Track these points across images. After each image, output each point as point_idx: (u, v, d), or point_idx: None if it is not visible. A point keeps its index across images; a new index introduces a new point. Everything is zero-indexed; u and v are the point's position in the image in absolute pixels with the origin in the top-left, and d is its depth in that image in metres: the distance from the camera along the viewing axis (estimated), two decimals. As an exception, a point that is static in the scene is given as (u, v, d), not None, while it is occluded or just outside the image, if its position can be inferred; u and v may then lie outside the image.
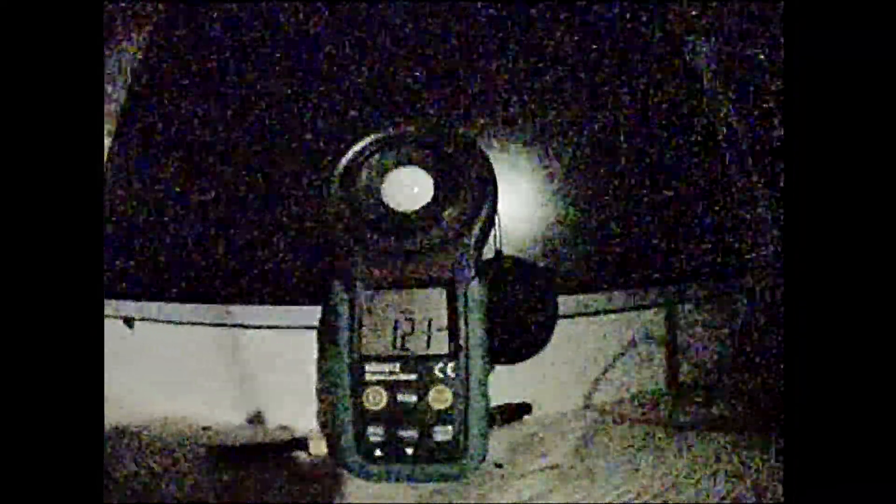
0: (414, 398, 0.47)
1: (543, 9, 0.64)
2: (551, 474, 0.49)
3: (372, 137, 0.51)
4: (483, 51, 0.62)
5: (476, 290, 0.47)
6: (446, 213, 0.48)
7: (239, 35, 0.65)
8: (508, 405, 0.58)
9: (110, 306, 0.63)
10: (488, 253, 0.51)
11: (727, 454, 0.50)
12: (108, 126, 0.67)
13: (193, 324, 0.61)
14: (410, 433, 0.46)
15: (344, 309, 0.47)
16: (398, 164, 0.50)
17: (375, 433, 0.47)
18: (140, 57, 0.68)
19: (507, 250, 0.54)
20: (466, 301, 0.47)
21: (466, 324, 0.47)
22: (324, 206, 0.49)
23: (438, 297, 0.47)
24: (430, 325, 0.47)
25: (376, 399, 0.47)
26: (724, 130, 0.68)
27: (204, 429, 0.59)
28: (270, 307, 0.59)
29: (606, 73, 0.64)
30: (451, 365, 0.47)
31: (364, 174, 0.49)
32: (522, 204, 0.61)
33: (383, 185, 0.49)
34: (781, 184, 0.63)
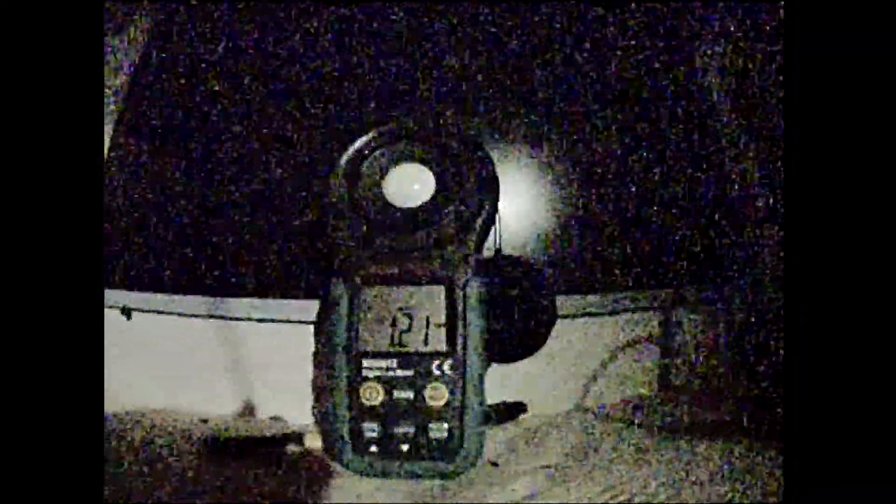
0: (410, 395, 0.47)
1: (545, 9, 0.64)
2: (546, 473, 0.49)
3: (374, 133, 0.51)
4: (486, 49, 0.63)
5: (475, 288, 0.47)
6: (447, 210, 0.48)
7: (238, 31, 0.65)
8: (504, 404, 0.58)
9: (107, 296, 0.63)
10: (488, 251, 0.51)
11: (724, 456, 0.50)
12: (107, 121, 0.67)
13: (191, 316, 0.61)
14: (406, 430, 0.47)
15: (342, 304, 0.48)
16: (400, 160, 0.50)
17: (371, 429, 0.47)
18: (140, 52, 0.68)
19: (506, 249, 0.54)
20: (465, 299, 0.47)
21: (464, 322, 0.47)
22: (325, 201, 0.50)
23: (437, 294, 0.48)
24: (428, 322, 0.48)
25: (373, 395, 0.47)
26: (724, 131, 0.68)
27: (202, 421, 0.59)
28: (267, 300, 0.59)
29: (607, 74, 0.64)
30: (448, 362, 0.47)
31: (366, 170, 0.50)
32: (523, 203, 0.61)
33: (385, 182, 0.49)
34: (781, 185, 0.63)
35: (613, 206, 0.63)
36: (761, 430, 0.54)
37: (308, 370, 0.56)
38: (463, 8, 0.63)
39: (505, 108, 0.62)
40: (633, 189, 0.64)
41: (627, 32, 0.66)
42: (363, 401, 0.47)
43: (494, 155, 0.50)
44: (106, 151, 0.67)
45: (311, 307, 0.56)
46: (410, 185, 0.49)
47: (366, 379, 0.47)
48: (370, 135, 0.51)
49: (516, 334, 0.53)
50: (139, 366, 0.63)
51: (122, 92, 0.67)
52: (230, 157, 0.63)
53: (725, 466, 0.48)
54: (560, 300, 0.55)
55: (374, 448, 0.47)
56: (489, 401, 0.48)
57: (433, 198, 0.49)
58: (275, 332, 0.59)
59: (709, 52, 0.66)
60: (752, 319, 0.69)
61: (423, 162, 0.50)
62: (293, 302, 0.58)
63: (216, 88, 0.65)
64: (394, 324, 0.48)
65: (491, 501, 0.45)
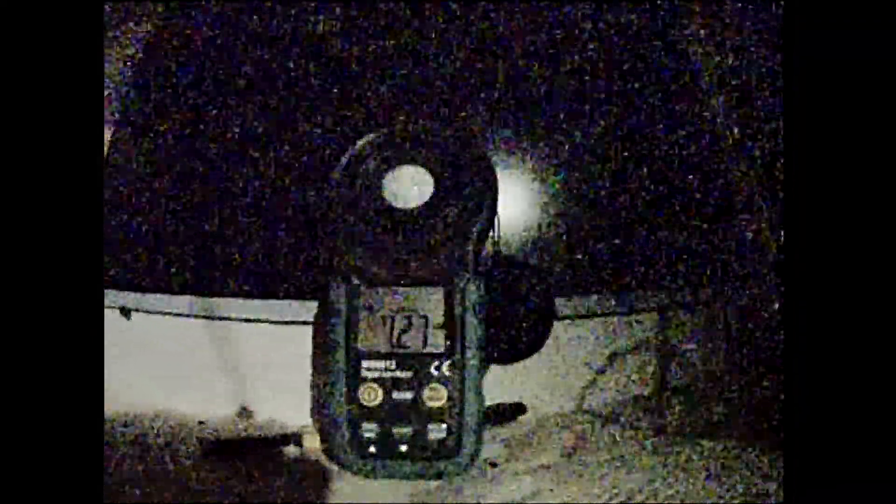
0: (409, 395, 0.47)
1: (544, 10, 0.64)
2: (544, 474, 0.49)
3: (374, 135, 0.51)
4: (485, 51, 0.63)
5: (474, 289, 0.47)
6: (446, 212, 0.48)
7: (238, 31, 0.65)
8: (503, 405, 0.58)
9: (106, 296, 0.63)
10: (486, 253, 0.51)
11: (723, 457, 0.50)
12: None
13: (190, 316, 0.61)
14: (405, 430, 0.47)
15: (342, 305, 0.48)
16: (399, 162, 0.50)
17: (370, 430, 0.47)
18: (139, 53, 0.68)
19: (505, 251, 0.54)
20: (464, 300, 0.47)
21: (463, 323, 0.47)
22: (325, 202, 0.50)
23: (436, 295, 0.48)
24: (427, 323, 0.48)
25: (372, 395, 0.47)
26: (724, 133, 0.68)
27: (201, 422, 0.59)
28: (265, 301, 0.59)
29: (606, 76, 0.64)
30: (446, 363, 0.47)
31: (365, 171, 0.50)
32: (521, 205, 0.61)
33: (384, 183, 0.49)
34: (781, 186, 0.63)
35: (613, 207, 0.63)
36: (761, 431, 0.54)
37: (307, 371, 0.56)
38: (463, 8, 0.63)
39: (504, 110, 0.62)
40: (633, 190, 0.64)
41: (628, 33, 0.66)
42: (362, 401, 0.47)
43: (493, 156, 0.50)
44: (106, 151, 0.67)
45: (310, 308, 0.56)
46: (410, 186, 0.49)
47: (365, 380, 0.47)
48: (370, 136, 0.51)
49: (515, 335, 0.53)
50: (138, 366, 0.63)
51: (121, 92, 0.67)
52: (230, 158, 0.63)
53: (725, 467, 0.48)
54: (558, 301, 0.55)
55: (373, 449, 0.47)
56: (488, 401, 0.48)
57: (432, 199, 0.49)
58: (274, 332, 0.58)
59: (709, 52, 0.66)
60: (752, 320, 0.69)
61: (422, 163, 0.50)
62: (292, 303, 0.58)
63: (214, 88, 0.65)
64: (393, 325, 0.48)
65: (490, 502, 0.45)
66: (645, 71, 0.66)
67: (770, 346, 0.67)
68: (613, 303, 0.61)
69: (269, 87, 0.63)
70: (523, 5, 0.64)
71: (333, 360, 0.48)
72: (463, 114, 0.61)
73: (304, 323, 0.56)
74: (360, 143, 0.51)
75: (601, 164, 0.63)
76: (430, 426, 0.46)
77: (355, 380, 0.47)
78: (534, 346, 0.54)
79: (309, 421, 0.57)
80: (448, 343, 0.47)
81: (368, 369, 0.47)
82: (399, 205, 0.49)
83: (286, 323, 0.58)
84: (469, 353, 0.47)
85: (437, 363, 0.47)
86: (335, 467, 0.49)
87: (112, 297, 0.63)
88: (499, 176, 0.50)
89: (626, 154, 0.64)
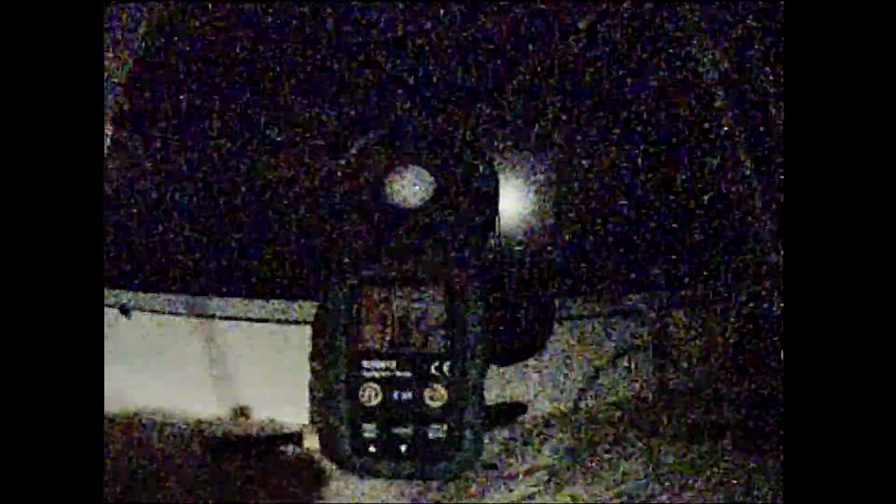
0: (409, 396, 0.47)
1: (545, 12, 0.64)
2: (544, 474, 0.49)
3: (375, 135, 0.51)
4: (486, 51, 0.63)
5: (474, 289, 0.47)
6: (447, 212, 0.48)
7: (237, 30, 0.65)
8: (503, 405, 0.58)
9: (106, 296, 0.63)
10: (487, 253, 0.51)
11: (723, 458, 0.50)
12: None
13: (189, 316, 0.61)
14: (405, 430, 0.47)
15: (342, 305, 0.48)
16: (400, 161, 0.50)
17: (370, 429, 0.47)
18: (139, 53, 0.68)
19: (505, 251, 0.54)
20: (464, 301, 0.47)
21: (464, 323, 0.47)
22: (326, 203, 0.50)
23: (437, 295, 0.48)
24: (427, 323, 0.48)
25: (372, 396, 0.47)
26: (723, 132, 0.68)
27: (200, 423, 0.59)
28: (265, 301, 0.59)
29: (607, 76, 0.64)
30: (447, 364, 0.47)
31: (366, 171, 0.50)
32: (522, 205, 0.61)
33: (385, 183, 0.49)
34: (781, 187, 0.63)
35: (613, 208, 0.63)
36: (761, 432, 0.54)
37: (306, 371, 0.56)
38: (462, 9, 0.63)
39: (504, 110, 0.62)
40: (633, 191, 0.63)
41: (628, 33, 0.66)
42: (362, 402, 0.47)
43: (494, 156, 0.50)
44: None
45: (311, 308, 0.56)
46: (411, 186, 0.49)
47: (365, 380, 0.47)
48: (371, 136, 0.51)
49: (515, 336, 0.53)
50: (138, 366, 0.63)
51: (121, 92, 0.67)
52: (231, 158, 0.63)
53: (725, 468, 0.48)
54: (558, 301, 0.55)
55: (373, 449, 0.47)
56: (488, 401, 0.48)
57: (433, 199, 0.49)
58: (274, 332, 0.58)
59: (709, 52, 0.66)
60: (751, 321, 0.69)
61: (423, 163, 0.50)
62: (292, 303, 0.58)
63: (215, 88, 0.64)
64: (393, 325, 0.48)
65: (490, 501, 0.45)
66: (645, 71, 0.66)
67: (770, 346, 0.67)
68: (613, 303, 0.61)
69: (268, 86, 0.63)
70: (524, 5, 0.64)
71: (333, 360, 0.48)
72: (464, 113, 0.61)
73: (304, 323, 0.56)
74: (360, 142, 0.51)
75: (602, 164, 0.63)
76: (430, 426, 0.47)
77: (355, 380, 0.47)
78: (534, 346, 0.54)
79: (308, 421, 0.57)
80: (448, 343, 0.47)
81: (368, 369, 0.47)
82: (400, 205, 0.49)
83: (286, 323, 0.58)
84: (469, 354, 0.47)
85: (437, 363, 0.47)
86: (335, 467, 0.49)
87: (112, 296, 0.63)
88: (499, 176, 0.50)
89: (626, 154, 0.64)
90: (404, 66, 0.62)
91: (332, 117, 0.61)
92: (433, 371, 0.47)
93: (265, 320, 0.59)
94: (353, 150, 0.51)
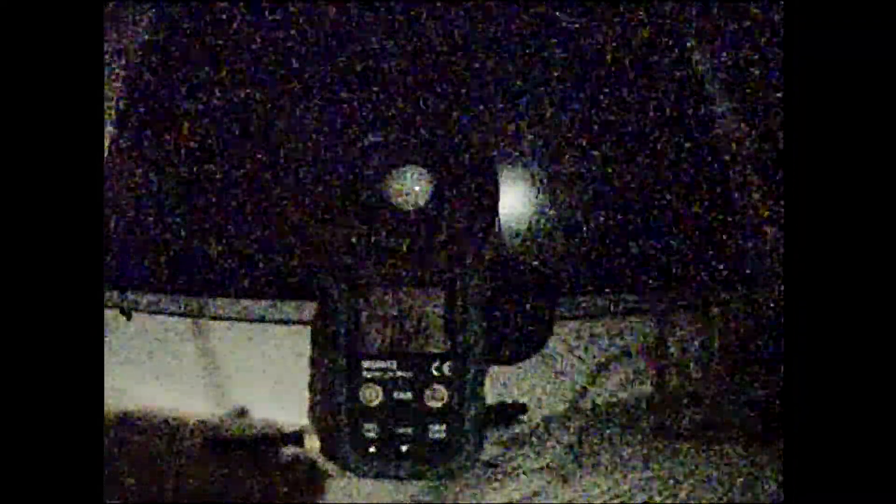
0: (410, 396, 0.47)
1: (546, 11, 0.64)
2: (544, 474, 0.49)
3: (375, 135, 0.51)
4: (487, 51, 0.63)
5: (474, 289, 0.47)
6: (447, 212, 0.48)
7: (237, 30, 0.65)
8: (503, 405, 0.58)
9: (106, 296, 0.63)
10: (487, 253, 0.51)
11: (723, 458, 0.50)
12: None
13: (188, 316, 0.61)
14: (405, 430, 0.47)
15: (342, 305, 0.48)
16: (400, 162, 0.50)
17: (370, 430, 0.47)
18: (139, 53, 0.68)
19: (505, 251, 0.54)
20: (465, 300, 0.47)
21: (464, 323, 0.47)
22: (325, 203, 0.50)
23: (437, 295, 0.48)
24: (427, 323, 0.48)
25: (372, 396, 0.47)
26: (723, 133, 0.68)
27: (200, 423, 0.59)
28: (265, 301, 0.59)
29: (607, 76, 0.64)
30: (447, 364, 0.47)
31: (367, 171, 0.50)
32: (523, 205, 0.61)
33: (385, 183, 0.49)
34: (781, 187, 0.63)
35: (613, 207, 0.63)
36: (761, 432, 0.54)
37: (306, 371, 0.56)
38: (462, 9, 0.63)
39: (504, 110, 0.62)
40: (633, 191, 0.63)
41: (627, 32, 0.66)
42: (363, 402, 0.47)
43: (494, 156, 0.50)
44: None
45: (310, 308, 0.56)
46: (411, 186, 0.49)
47: (365, 380, 0.47)
48: (371, 136, 0.51)
49: (515, 335, 0.53)
50: (138, 366, 0.63)
51: (121, 91, 0.67)
52: (231, 158, 0.63)
53: (725, 467, 0.48)
54: (559, 301, 0.55)
55: (373, 449, 0.47)
56: (488, 401, 0.48)
57: (433, 199, 0.49)
58: (273, 333, 0.59)
59: (709, 52, 0.66)
60: (751, 321, 0.69)
61: (423, 163, 0.50)
62: (292, 303, 0.58)
63: (214, 88, 0.64)
64: (393, 325, 0.48)
65: (490, 502, 0.45)
66: (645, 70, 0.66)
67: (770, 346, 0.67)
68: (614, 303, 0.61)
69: (268, 86, 0.63)
70: (524, 5, 0.64)
71: (333, 360, 0.48)
72: (464, 113, 0.61)
73: (304, 323, 0.56)
74: (360, 142, 0.51)
75: (602, 163, 0.63)
76: (430, 426, 0.47)
77: (356, 380, 0.47)
78: (534, 346, 0.54)
79: (308, 421, 0.57)
80: (448, 343, 0.47)
81: (369, 369, 0.47)
82: (400, 205, 0.49)
83: (286, 323, 0.58)
84: (470, 354, 0.47)
85: (437, 363, 0.47)
86: (335, 467, 0.49)
87: (112, 297, 0.63)
88: (500, 176, 0.50)
89: (626, 154, 0.64)
90: (405, 65, 0.62)
91: (332, 117, 0.61)
92: (433, 371, 0.47)
93: (265, 321, 0.59)
94: (353, 150, 0.51)
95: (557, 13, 0.63)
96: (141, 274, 0.64)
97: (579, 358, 0.61)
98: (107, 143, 0.67)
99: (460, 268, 0.48)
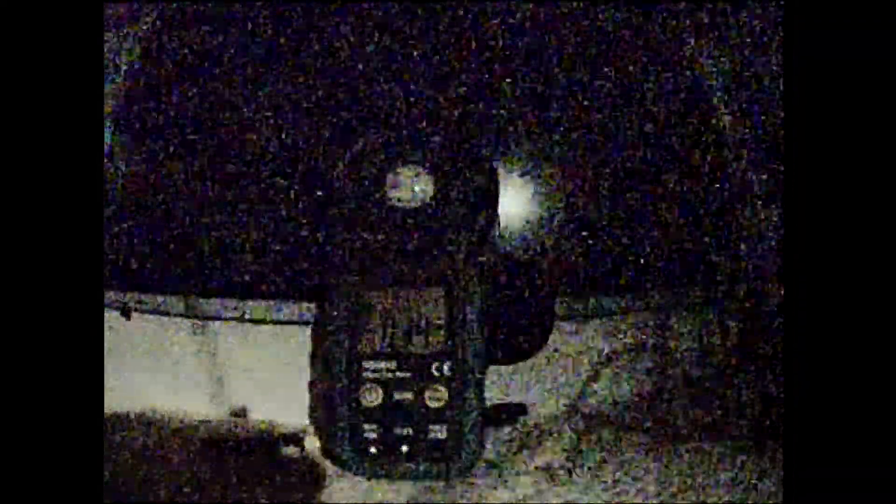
0: (410, 396, 0.47)
1: (545, 13, 0.64)
2: (544, 474, 0.49)
3: (374, 135, 0.51)
4: (485, 52, 0.63)
5: (474, 289, 0.47)
6: (446, 212, 0.48)
7: (237, 30, 0.65)
8: (503, 405, 0.58)
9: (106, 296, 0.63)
10: (487, 253, 0.51)
11: (723, 459, 0.50)
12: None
13: (187, 316, 0.61)
14: (405, 431, 0.47)
15: (342, 306, 0.48)
16: (400, 162, 0.50)
17: (370, 430, 0.47)
18: (139, 53, 0.68)
19: (505, 251, 0.54)
20: (464, 300, 0.47)
21: (464, 323, 0.47)
22: (325, 202, 0.50)
23: (437, 295, 0.48)
24: (427, 323, 0.48)
25: (372, 396, 0.47)
26: (723, 133, 0.68)
27: (200, 423, 0.59)
28: (264, 302, 0.59)
29: (607, 76, 0.64)
30: (447, 364, 0.47)
31: (366, 171, 0.50)
32: (522, 205, 0.61)
33: (385, 183, 0.49)
34: (781, 187, 0.63)
35: (613, 207, 0.63)
36: (761, 431, 0.54)
37: (306, 371, 0.56)
38: (462, 9, 0.63)
39: (504, 110, 0.62)
40: (633, 191, 0.63)
41: (627, 32, 0.66)
42: (363, 402, 0.47)
43: (494, 156, 0.50)
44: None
45: (310, 308, 0.56)
46: (411, 186, 0.49)
47: (365, 380, 0.47)
48: (371, 136, 0.51)
49: (515, 335, 0.53)
50: (137, 366, 0.63)
51: (119, 92, 0.67)
52: (231, 158, 0.63)
53: (725, 467, 0.48)
54: (558, 301, 0.55)
55: (373, 449, 0.47)
56: (488, 402, 0.48)
57: (433, 199, 0.49)
58: (273, 333, 0.59)
59: (709, 52, 0.66)
60: (751, 321, 0.69)
61: (423, 163, 0.50)
62: (292, 303, 0.58)
63: (213, 88, 0.64)
64: (393, 325, 0.48)
65: (490, 501, 0.45)
66: (645, 71, 0.66)
67: (770, 346, 0.67)
68: (613, 303, 0.61)
69: (268, 86, 0.63)
70: (524, 6, 0.64)
71: (333, 360, 0.48)
72: (464, 113, 0.61)
73: (304, 323, 0.56)
74: (361, 142, 0.51)
75: (601, 163, 0.63)
76: (430, 427, 0.46)
77: (356, 380, 0.47)
78: (534, 346, 0.54)
79: (307, 421, 0.57)
80: (449, 343, 0.47)
81: (369, 370, 0.47)
82: (399, 205, 0.49)
83: (286, 323, 0.58)
84: (470, 354, 0.47)
85: (437, 364, 0.47)
86: (335, 467, 0.49)
87: (112, 298, 0.63)
88: (499, 176, 0.50)
89: (626, 154, 0.64)
90: (405, 65, 0.62)
91: (332, 117, 0.61)
92: (433, 371, 0.47)
93: (265, 321, 0.59)
94: (354, 151, 0.51)
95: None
96: (141, 274, 0.64)
97: (579, 358, 0.61)
98: (107, 142, 0.67)
99: (460, 267, 0.48)
